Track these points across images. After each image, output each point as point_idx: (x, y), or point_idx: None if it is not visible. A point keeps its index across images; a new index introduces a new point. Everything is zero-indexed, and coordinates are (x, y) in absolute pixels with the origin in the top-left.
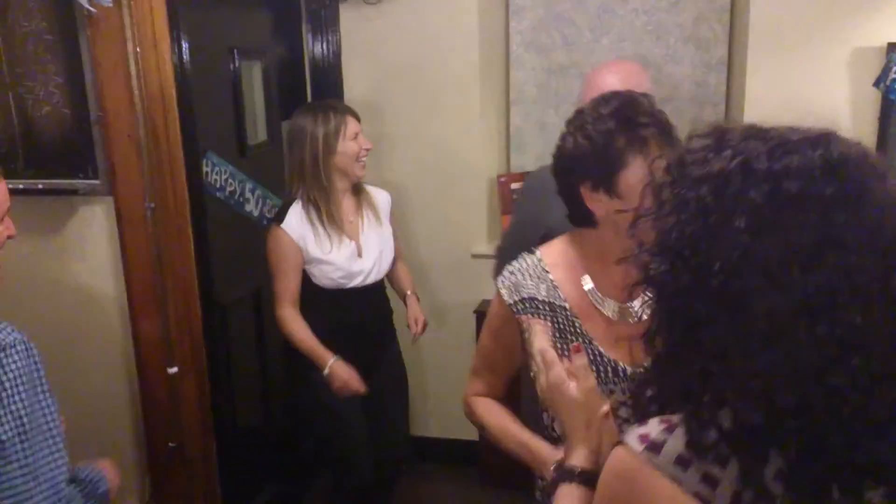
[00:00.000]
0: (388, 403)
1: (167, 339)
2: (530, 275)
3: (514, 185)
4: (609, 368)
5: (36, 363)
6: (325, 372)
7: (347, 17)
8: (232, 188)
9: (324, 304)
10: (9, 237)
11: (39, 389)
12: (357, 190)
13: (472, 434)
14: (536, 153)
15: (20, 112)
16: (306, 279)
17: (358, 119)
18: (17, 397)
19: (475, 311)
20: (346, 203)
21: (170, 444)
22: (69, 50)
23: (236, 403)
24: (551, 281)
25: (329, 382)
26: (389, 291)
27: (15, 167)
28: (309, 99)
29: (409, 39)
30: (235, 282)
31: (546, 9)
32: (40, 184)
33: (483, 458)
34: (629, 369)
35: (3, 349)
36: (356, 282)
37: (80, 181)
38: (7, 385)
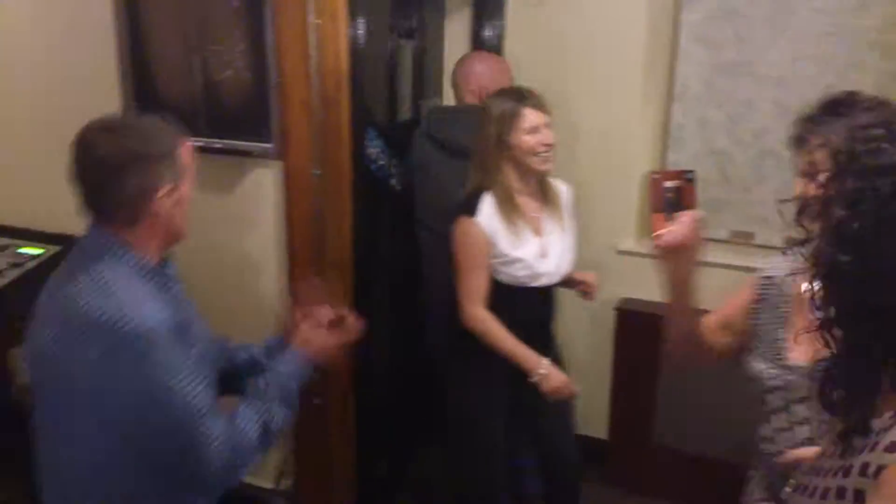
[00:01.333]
0: (554, 409)
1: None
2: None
3: (668, 184)
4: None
5: (172, 340)
6: (536, 377)
7: (515, 3)
8: (382, 162)
9: (502, 300)
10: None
11: (180, 366)
12: (542, 184)
13: (601, 432)
14: (694, 151)
15: (205, 74)
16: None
17: (543, 110)
18: (143, 382)
19: (615, 309)
20: (530, 198)
21: (314, 402)
22: (254, 17)
23: (374, 368)
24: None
25: (539, 385)
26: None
27: (197, 126)
28: None
29: (574, 26)
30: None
31: (720, 2)
32: (218, 143)
33: (611, 456)
34: (804, 364)
35: (142, 336)
36: (539, 282)
37: (255, 144)
38: (136, 369)
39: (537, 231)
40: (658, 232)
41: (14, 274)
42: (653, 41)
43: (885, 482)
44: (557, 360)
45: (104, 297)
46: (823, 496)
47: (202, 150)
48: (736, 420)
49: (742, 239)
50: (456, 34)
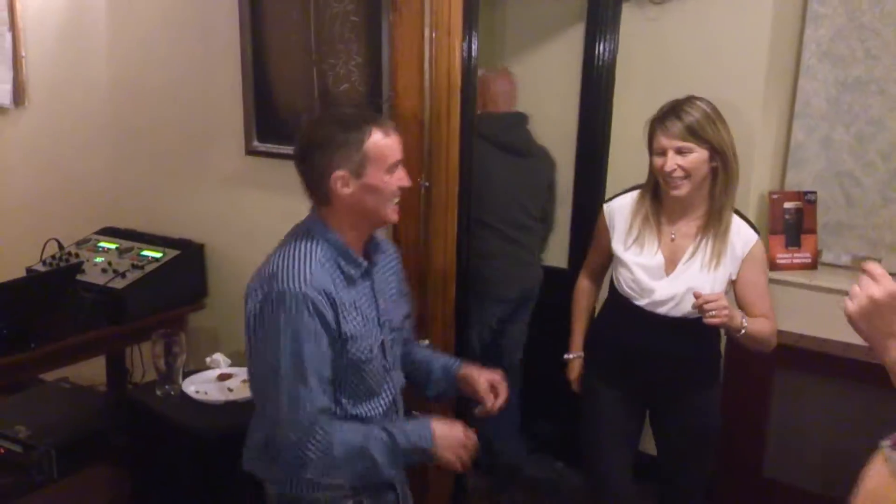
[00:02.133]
0: (679, 464)
1: (423, 315)
2: None
3: (788, 205)
4: None
5: (316, 314)
6: (565, 358)
7: (629, 17)
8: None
9: (615, 309)
10: (400, 188)
11: (302, 338)
12: (714, 213)
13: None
14: (816, 171)
15: (321, 86)
16: (612, 275)
17: (678, 135)
18: (275, 342)
19: (726, 334)
20: (683, 216)
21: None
22: (371, 32)
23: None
24: None
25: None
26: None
27: None
28: (578, 98)
29: (692, 41)
30: None
31: (849, 17)
32: None
33: (719, 488)
34: None
35: (276, 300)
36: (645, 301)
37: None
38: (270, 329)
39: (670, 252)
40: None
41: (135, 276)
42: (776, 57)
43: None
44: (702, 410)
45: (283, 259)
46: None
47: None
48: (853, 453)
49: None
50: (568, 49)
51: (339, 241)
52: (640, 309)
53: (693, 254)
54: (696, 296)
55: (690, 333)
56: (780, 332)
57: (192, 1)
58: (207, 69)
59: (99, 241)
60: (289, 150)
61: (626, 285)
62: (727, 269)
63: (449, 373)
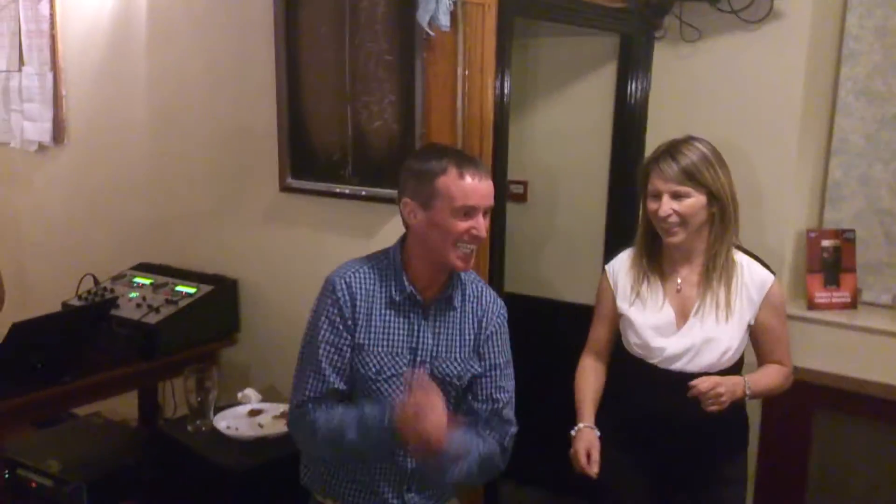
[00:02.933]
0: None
1: None
2: None
3: (826, 243)
4: None
5: (334, 301)
6: (573, 431)
7: (661, 55)
8: None
9: (627, 374)
10: (469, 235)
11: (321, 322)
12: (717, 260)
13: None
14: (855, 210)
15: (355, 124)
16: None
17: (674, 178)
18: (309, 320)
19: None
20: (686, 263)
21: None
22: (405, 70)
23: None
24: None
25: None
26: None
27: (344, 173)
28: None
29: (726, 79)
30: None
31: (884, 54)
32: (363, 191)
33: None
34: None
35: (322, 286)
36: (657, 360)
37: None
38: (312, 308)
39: (679, 303)
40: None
41: (169, 311)
42: (812, 94)
43: None
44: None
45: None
46: None
47: (349, 196)
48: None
49: None
50: (601, 87)
51: (400, 263)
52: (653, 368)
53: (702, 303)
54: (689, 387)
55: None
56: (819, 373)
57: (230, 39)
58: (244, 107)
59: (134, 276)
60: (323, 186)
61: (634, 345)
62: (744, 315)
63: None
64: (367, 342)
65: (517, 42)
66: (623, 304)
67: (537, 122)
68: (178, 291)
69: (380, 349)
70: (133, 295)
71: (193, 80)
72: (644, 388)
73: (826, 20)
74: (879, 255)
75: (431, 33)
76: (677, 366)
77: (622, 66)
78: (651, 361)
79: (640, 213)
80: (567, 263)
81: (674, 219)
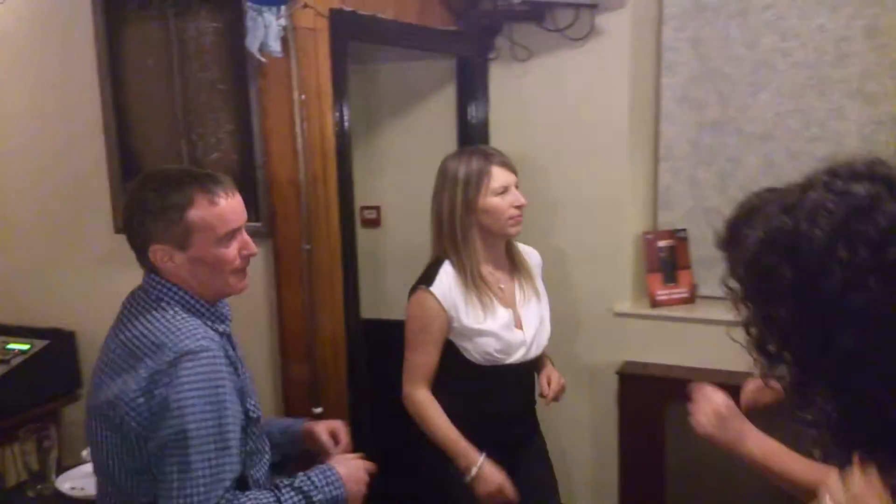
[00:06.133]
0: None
1: (314, 380)
2: None
3: (661, 244)
4: None
5: (219, 371)
6: (471, 475)
7: (497, 75)
8: None
9: (474, 385)
10: (242, 257)
11: (220, 396)
12: (510, 250)
13: (612, 502)
14: (685, 210)
15: (191, 157)
16: (453, 355)
17: (511, 170)
18: (187, 402)
19: (617, 372)
20: (498, 265)
21: None
22: (239, 99)
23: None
24: None
25: (474, 487)
26: None
27: None
28: None
29: (558, 94)
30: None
31: (700, 63)
32: None
33: None
34: None
35: (186, 355)
36: (516, 356)
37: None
38: (179, 389)
39: (507, 301)
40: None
41: (0, 371)
42: (637, 104)
43: None
44: (540, 452)
45: (157, 323)
46: None
47: None
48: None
49: None
50: (443, 109)
51: (206, 304)
52: (507, 367)
53: (521, 292)
54: (544, 395)
55: (534, 371)
56: (668, 367)
57: (53, 81)
58: (71, 151)
59: None
60: None
61: (493, 352)
62: (541, 288)
63: (288, 433)
64: (245, 385)
65: (360, 68)
66: (468, 321)
67: (386, 147)
68: (9, 350)
69: (252, 385)
70: None
71: (16, 127)
72: (496, 390)
73: (644, 34)
74: (711, 251)
75: (263, 60)
76: (530, 355)
77: (461, 88)
78: (508, 362)
79: (457, 229)
80: None
81: (523, 207)
